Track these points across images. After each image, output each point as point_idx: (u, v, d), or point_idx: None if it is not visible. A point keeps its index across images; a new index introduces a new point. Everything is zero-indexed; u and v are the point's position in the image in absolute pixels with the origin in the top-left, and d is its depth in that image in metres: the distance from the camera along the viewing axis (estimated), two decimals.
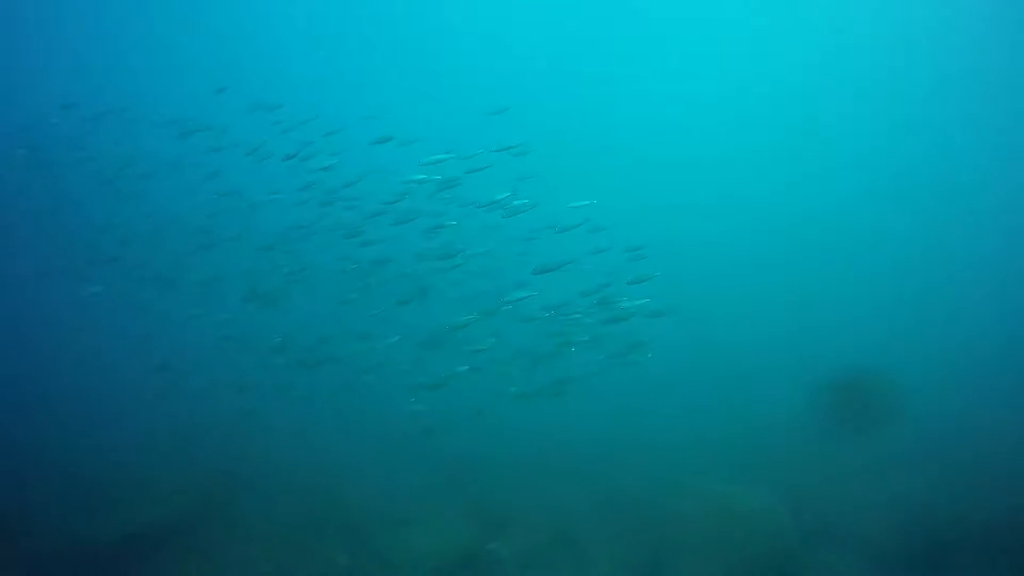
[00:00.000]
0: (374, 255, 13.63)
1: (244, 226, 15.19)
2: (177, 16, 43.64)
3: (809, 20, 48.23)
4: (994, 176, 42.49)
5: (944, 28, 44.43)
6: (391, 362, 14.33)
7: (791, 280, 34.40)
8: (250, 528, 11.30)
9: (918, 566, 11.24)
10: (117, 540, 10.36)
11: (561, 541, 13.31)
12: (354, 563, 11.64)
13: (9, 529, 10.53)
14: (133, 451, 14.01)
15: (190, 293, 15.83)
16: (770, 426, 18.54)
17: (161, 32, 43.22)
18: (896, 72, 46.87)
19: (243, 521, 11.73)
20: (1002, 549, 11.03)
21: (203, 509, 11.75)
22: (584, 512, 14.82)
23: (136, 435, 14.94)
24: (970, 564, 11.14)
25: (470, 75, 46.53)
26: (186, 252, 15.74)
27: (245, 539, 10.20)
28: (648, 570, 11.47)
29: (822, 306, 31.77)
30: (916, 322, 30.29)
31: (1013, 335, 26.89)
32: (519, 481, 16.13)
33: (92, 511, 11.03)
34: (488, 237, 13.92)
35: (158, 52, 42.82)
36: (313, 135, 12.82)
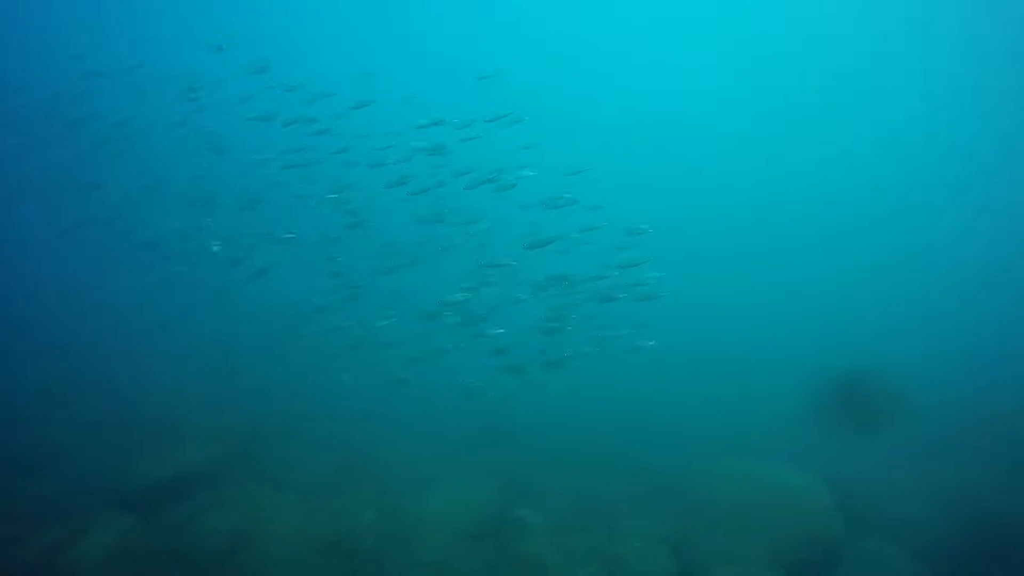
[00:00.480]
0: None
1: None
2: None
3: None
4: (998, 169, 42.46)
5: (949, 27, 43.68)
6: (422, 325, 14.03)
7: (819, 263, 33.99)
8: (279, 479, 11.26)
9: (963, 557, 10.82)
10: (150, 485, 10.39)
11: (589, 510, 13.11)
12: (380, 519, 11.55)
13: (47, 471, 10.65)
14: (169, 398, 14.11)
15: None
16: (804, 410, 18.15)
17: None
18: (901, 68, 46.39)
19: (273, 472, 11.72)
20: None
21: (235, 458, 11.77)
22: (612, 483, 14.65)
23: (172, 383, 15.03)
24: (1013, 554, 10.75)
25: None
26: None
27: (274, 490, 10.12)
28: (679, 543, 11.18)
29: (852, 291, 31.41)
30: (946, 309, 29.89)
31: None
32: (548, 449, 16.00)
33: (127, 456, 11.07)
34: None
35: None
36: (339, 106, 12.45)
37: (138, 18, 42.97)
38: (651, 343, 13.09)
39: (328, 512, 10.08)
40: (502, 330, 12.10)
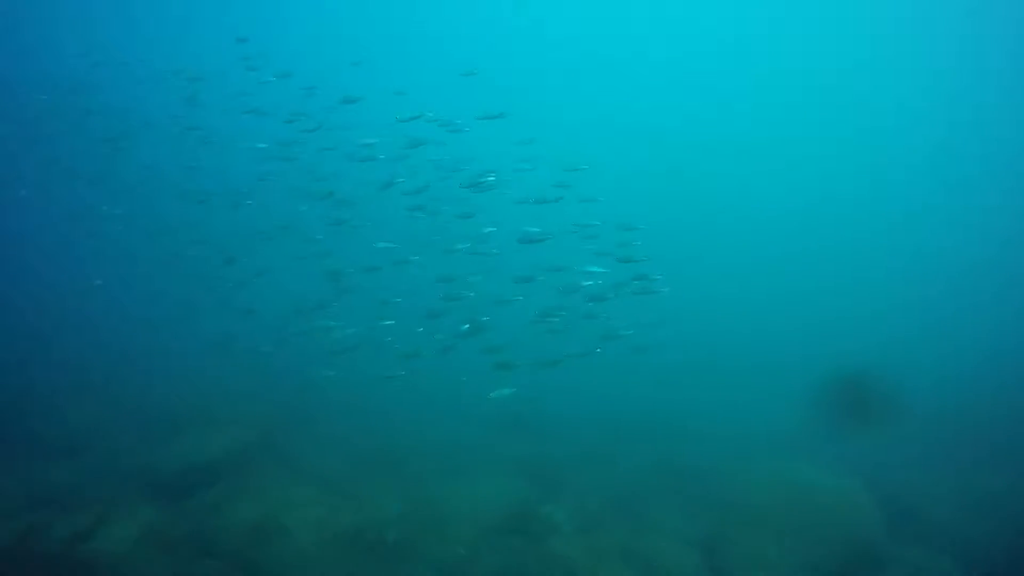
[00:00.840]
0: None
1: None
2: None
3: None
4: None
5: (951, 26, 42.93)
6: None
7: (835, 263, 33.17)
8: (303, 468, 11.20)
9: (1013, 568, 10.30)
10: (175, 473, 10.39)
11: (615, 508, 12.81)
12: (406, 511, 11.44)
13: (75, 458, 10.73)
14: (195, 387, 14.16)
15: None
16: (832, 411, 17.65)
17: None
18: (905, 69, 45.70)
19: (297, 461, 11.66)
20: None
21: (259, 446, 11.72)
22: (638, 481, 14.34)
23: (197, 372, 15.09)
24: None
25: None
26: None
27: (298, 479, 10.05)
28: (710, 545, 10.85)
29: (874, 291, 30.55)
30: (971, 310, 29.14)
31: None
32: (573, 445, 15.73)
33: (153, 444, 11.10)
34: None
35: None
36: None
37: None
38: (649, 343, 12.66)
39: (352, 503, 9.98)
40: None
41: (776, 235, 35.23)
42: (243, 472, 10.35)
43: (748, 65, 48.97)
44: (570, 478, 14.19)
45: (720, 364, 20.89)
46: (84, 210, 17.14)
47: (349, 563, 8.80)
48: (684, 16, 50.38)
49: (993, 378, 20.32)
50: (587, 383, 17.76)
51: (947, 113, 45.28)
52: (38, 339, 16.01)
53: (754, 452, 13.96)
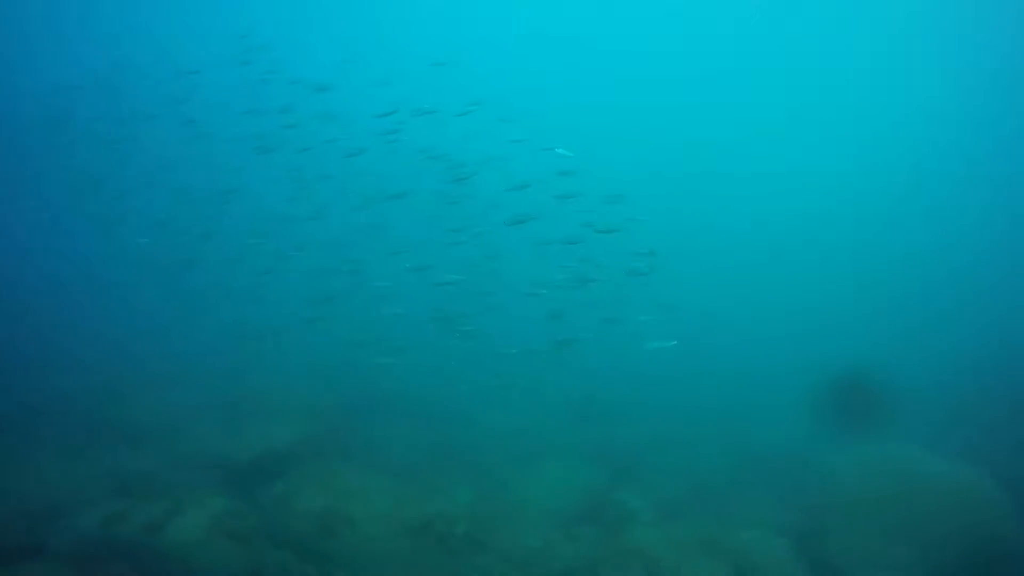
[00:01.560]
0: None
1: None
2: None
3: None
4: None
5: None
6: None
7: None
8: (370, 458, 11.04)
9: None
10: (245, 463, 10.43)
11: (698, 495, 12.09)
12: (475, 501, 11.12)
13: (149, 447, 10.96)
14: (262, 377, 14.31)
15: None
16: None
17: None
18: (901, 68, 44.37)
19: (364, 452, 11.54)
20: None
21: (326, 436, 11.67)
22: (718, 466, 13.53)
23: (264, 362, 15.28)
24: None
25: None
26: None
27: (365, 470, 9.87)
28: (805, 535, 9.96)
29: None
30: None
31: None
32: (646, 429, 15.02)
33: (224, 434, 11.20)
34: None
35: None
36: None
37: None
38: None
39: (420, 493, 9.70)
40: None
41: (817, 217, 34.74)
42: (310, 462, 10.26)
43: (748, 63, 48.04)
44: (645, 465, 13.56)
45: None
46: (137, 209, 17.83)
47: (418, 555, 8.52)
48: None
49: None
50: (655, 369, 17.16)
51: (944, 110, 44.07)
52: (112, 333, 16.69)
53: (841, 436, 12.90)
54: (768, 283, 27.75)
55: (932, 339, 21.85)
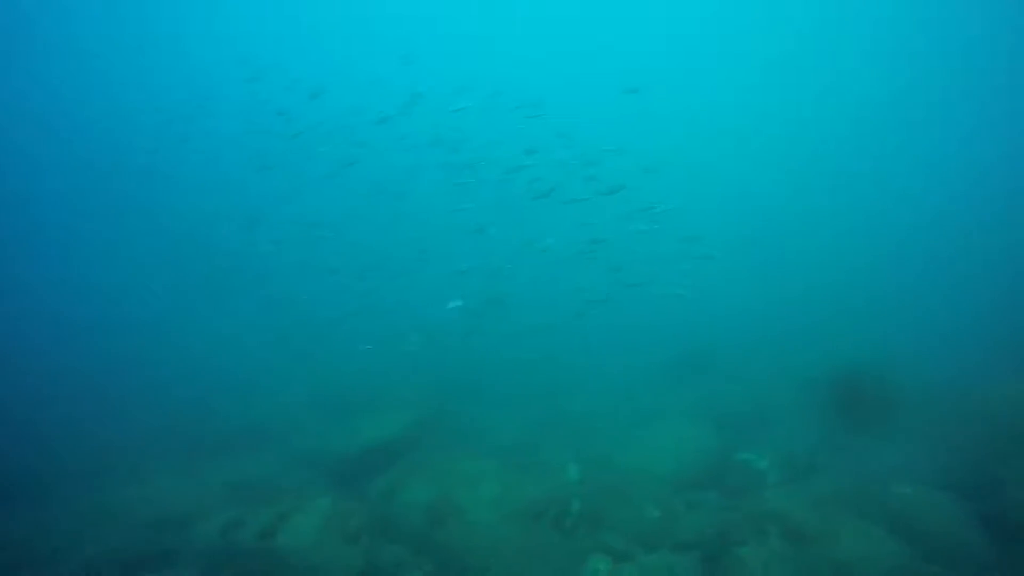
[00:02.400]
0: None
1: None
2: None
3: None
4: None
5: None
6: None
7: None
8: (475, 443, 10.71)
9: None
10: (352, 458, 10.36)
11: (830, 448, 10.95)
12: (586, 475, 10.57)
13: (260, 451, 11.17)
14: (362, 369, 14.35)
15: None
16: None
17: None
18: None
19: (468, 436, 11.23)
20: None
21: (429, 423, 11.44)
22: (848, 418, 12.19)
23: (361, 354, 15.32)
24: None
25: None
26: None
27: (470, 455, 9.52)
28: (978, 490, 8.64)
29: None
30: None
31: None
32: (759, 387, 13.90)
33: (330, 430, 11.20)
34: None
35: None
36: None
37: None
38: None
39: (529, 474, 9.27)
40: None
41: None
42: (414, 452, 10.08)
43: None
44: (762, 421, 12.54)
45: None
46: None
47: (533, 539, 8.07)
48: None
49: None
50: (756, 319, 16.08)
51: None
52: (212, 343, 17.30)
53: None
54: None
55: None
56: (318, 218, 17.19)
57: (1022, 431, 8.66)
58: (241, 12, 46.14)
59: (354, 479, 9.43)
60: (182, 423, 12.33)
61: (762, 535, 7.54)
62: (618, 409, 13.26)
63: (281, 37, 44.50)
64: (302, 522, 7.91)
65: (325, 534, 7.75)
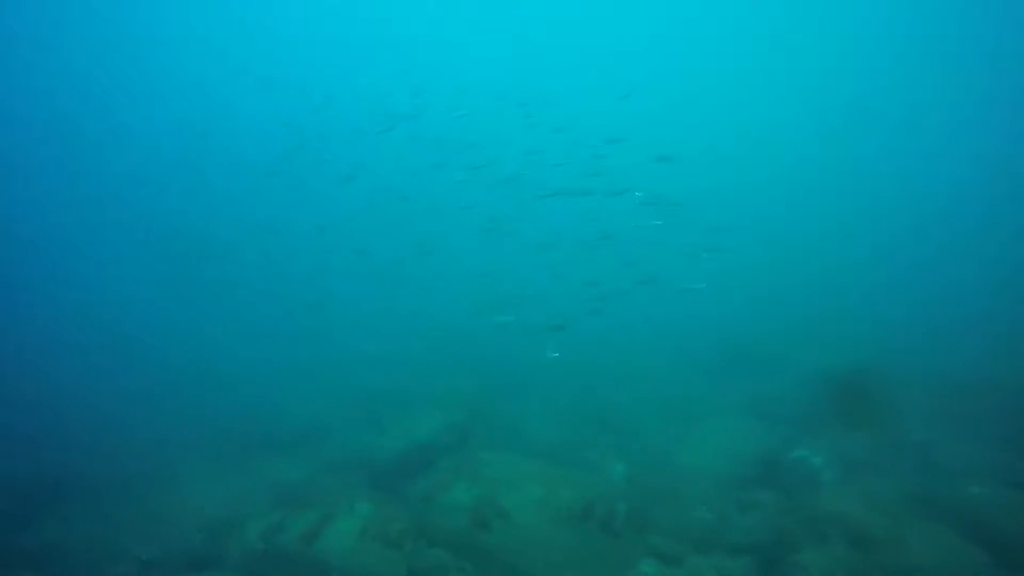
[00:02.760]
0: None
1: None
2: None
3: None
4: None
5: None
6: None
7: None
8: (517, 443, 10.47)
9: None
10: (391, 460, 10.24)
11: (891, 445, 10.38)
12: (633, 474, 10.26)
13: (301, 449, 11.20)
14: (400, 369, 14.29)
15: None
16: None
17: None
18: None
19: (509, 436, 11.01)
20: None
21: (470, 422, 11.24)
22: (913, 407, 11.60)
23: (400, 354, 15.33)
24: None
25: None
26: None
27: (512, 456, 9.30)
28: None
29: None
30: None
31: None
32: (809, 381, 13.34)
33: (368, 432, 11.11)
34: None
35: None
36: None
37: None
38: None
39: (573, 474, 9.00)
40: None
41: None
42: (455, 453, 9.89)
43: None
44: (816, 415, 11.95)
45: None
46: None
47: (580, 542, 7.81)
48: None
49: None
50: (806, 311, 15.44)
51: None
52: (253, 346, 17.52)
53: None
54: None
55: None
56: (328, 221, 18.07)
57: None
58: (247, 21, 46.85)
59: (394, 481, 9.30)
60: (222, 427, 12.43)
61: (823, 539, 7.14)
62: (661, 406, 12.89)
63: (287, 45, 45.06)
64: (343, 526, 7.81)
65: (366, 538, 7.63)
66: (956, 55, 41.03)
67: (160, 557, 8.50)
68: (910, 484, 8.47)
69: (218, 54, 42.25)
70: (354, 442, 10.87)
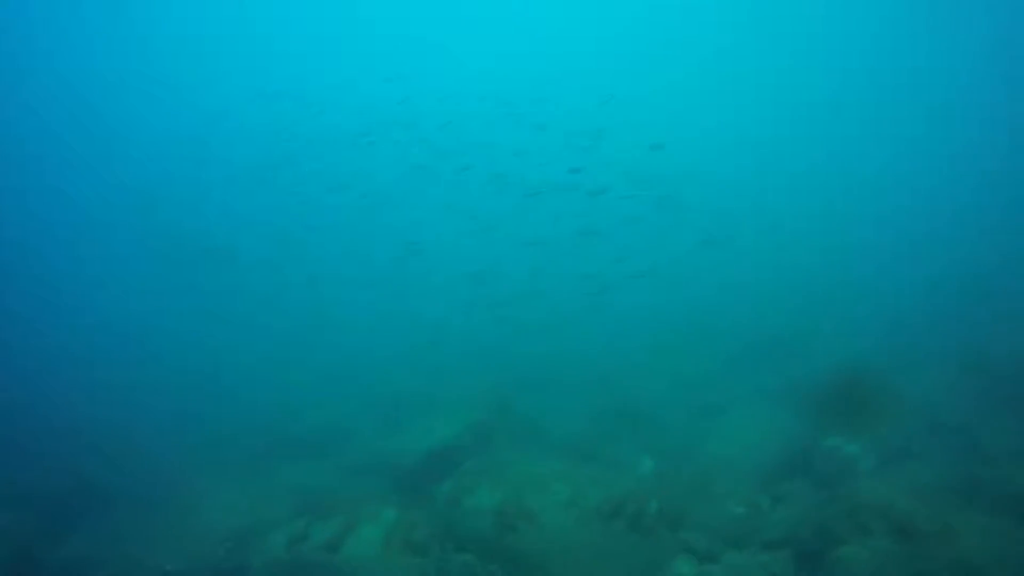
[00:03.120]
0: None
1: None
2: None
3: None
4: None
5: None
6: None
7: None
8: (541, 441, 10.26)
9: None
10: (415, 463, 10.02)
11: (934, 430, 9.98)
12: (661, 469, 9.99)
13: (323, 454, 11.09)
14: (422, 371, 14.15)
15: None
16: None
17: None
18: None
19: (533, 434, 10.79)
20: None
21: (492, 425, 10.96)
22: (954, 389, 11.16)
23: (420, 356, 15.20)
24: None
25: None
26: None
27: (537, 454, 9.10)
28: None
29: None
30: None
31: None
32: (842, 361, 12.92)
33: (391, 435, 10.96)
34: None
35: None
36: None
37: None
38: None
39: (600, 471, 8.76)
40: None
41: None
42: (478, 455, 9.69)
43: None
44: (849, 401, 11.53)
45: None
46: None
47: (611, 542, 7.58)
48: None
49: None
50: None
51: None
52: (275, 351, 17.54)
53: None
54: None
55: None
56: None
57: None
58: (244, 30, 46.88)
59: (417, 485, 9.13)
60: (241, 435, 12.40)
61: (865, 532, 6.80)
62: (684, 397, 12.60)
63: (278, 54, 45.07)
64: (367, 533, 7.67)
65: (391, 546, 7.48)
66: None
67: (185, 569, 8.41)
68: (953, 471, 8.12)
69: (216, 61, 42.60)
70: (375, 445, 10.72)
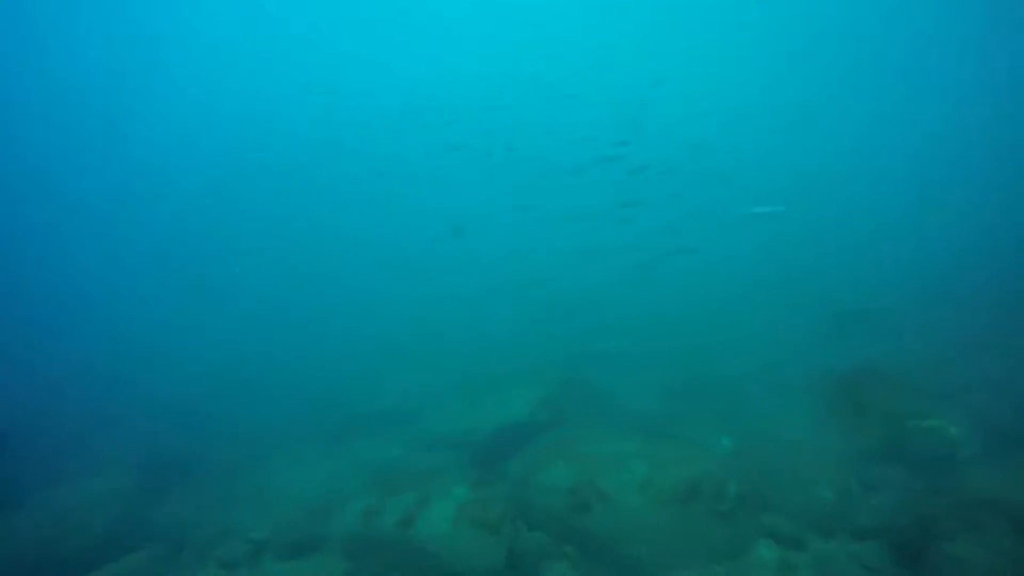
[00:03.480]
0: None
1: None
2: None
3: None
4: None
5: None
6: None
7: None
8: (614, 418, 9.96)
9: None
10: (485, 438, 9.93)
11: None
12: (740, 448, 9.51)
13: (397, 429, 11.22)
14: (490, 346, 14.09)
15: None
16: None
17: None
18: None
19: (605, 411, 10.51)
20: None
21: (561, 399, 10.73)
22: None
23: (489, 331, 15.19)
24: None
25: None
26: None
27: (610, 432, 8.81)
28: None
29: None
30: None
31: None
32: (930, 341, 12.04)
33: (463, 407, 10.92)
34: None
35: None
36: None
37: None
38: None
39: (675, 451, 8.37)
40: None
41: None
42: (550, 430, 9.50)
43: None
44: (950, 377, 10.71)
45: None
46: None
47: (688, 525, 7.27)
48: None
49: None
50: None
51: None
52: (352, 329, 17.97)
53: None
54: None
55: None
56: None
57: None
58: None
59: (488, 461, 9.07)
60: (316, 410, 12.73)
61: (976, 528, 6.22)
62: (768, 369, 11.96)
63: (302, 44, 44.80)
64: (439, 509, 7.65)
65: (463, 523, 7.42)
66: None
67: (268, 537, 8.70)
68: None
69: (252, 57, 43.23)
70: (447, 421, 10.70)
